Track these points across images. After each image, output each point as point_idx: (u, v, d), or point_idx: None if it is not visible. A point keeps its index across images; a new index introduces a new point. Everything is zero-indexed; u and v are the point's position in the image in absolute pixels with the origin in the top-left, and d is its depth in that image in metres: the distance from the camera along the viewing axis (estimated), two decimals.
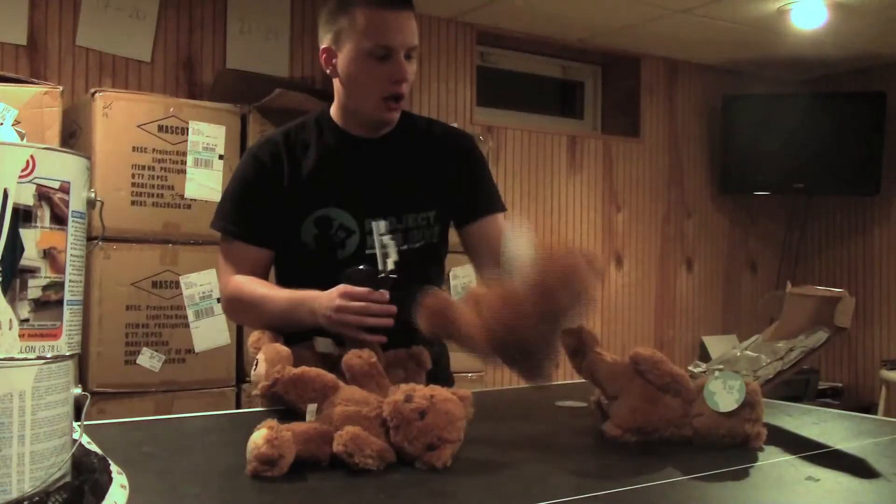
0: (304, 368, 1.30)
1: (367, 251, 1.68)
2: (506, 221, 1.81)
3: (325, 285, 1.55)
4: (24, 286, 0.79)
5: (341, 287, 1.52)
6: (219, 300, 2.62)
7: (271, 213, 1.69)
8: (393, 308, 1.49)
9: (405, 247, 1.70)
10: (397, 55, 1.63)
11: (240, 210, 1.72)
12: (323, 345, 1.55)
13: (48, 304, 0.81)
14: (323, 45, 1.71)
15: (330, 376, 1.28)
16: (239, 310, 1.75)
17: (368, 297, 1.49)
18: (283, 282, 1.76)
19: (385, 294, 1.50)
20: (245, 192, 1.72)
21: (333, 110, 1.77)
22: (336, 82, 1.73)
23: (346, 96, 1.72)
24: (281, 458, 1.04)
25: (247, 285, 1.68)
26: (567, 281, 1.19)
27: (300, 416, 1.21)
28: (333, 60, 1.69)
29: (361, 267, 1.55)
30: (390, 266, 1.59)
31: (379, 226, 1.65)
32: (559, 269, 1.19)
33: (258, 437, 1.04)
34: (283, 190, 1.69)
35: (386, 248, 1.62)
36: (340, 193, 1.69)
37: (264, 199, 1.69)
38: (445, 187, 1.77)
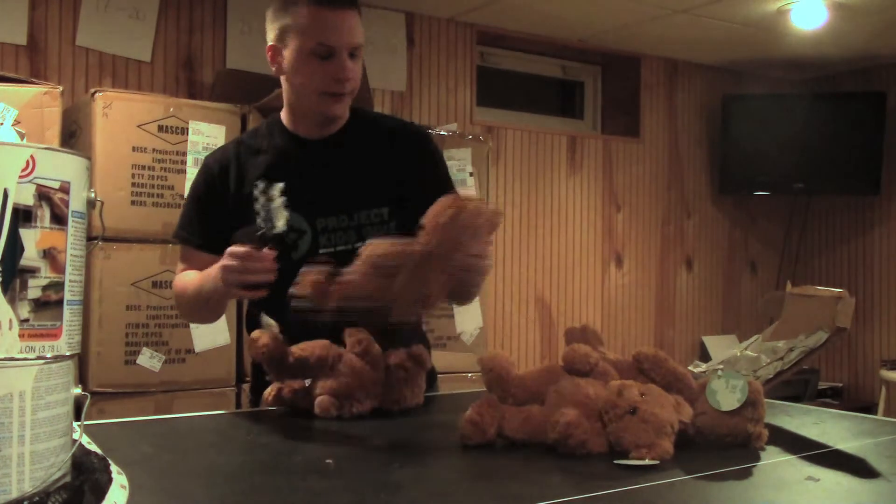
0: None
1: (321, 251, 1.68)
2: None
3: (281, 287, 1.52)
4: (24, 286, 0.79)
5: (229, 248, 1.55)
6: None
7: (217, 220, 1.74)
8: (271, 265, 1.50)
9: (360, 244, 1.68)
10: (340, 54, 1.63)
11: (190, 216, 1.80)
12: (268, 324, 1.56)
13: (48, 304, 0.81)
14: (269, 43, 1.71)
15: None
16: (178, 302, 1.83)
17: (247, 254, 1.51)
18: None
19: (268, 252, 1.51)
20: (194, 199, 1.80)
21: (283, 113, 1.78)
22: (283, 80, 1.74)
23: (291, 94, 1.73)
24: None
25: (180, 278, 1.77)
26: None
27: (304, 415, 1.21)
28: (279, 58, 1.69)
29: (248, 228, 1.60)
30: (280, 228, 1.60)
31: (273, 189, 1.64)
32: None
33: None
34: (230, 197, 1.73)
35: (271, 209, 1.62)
36: (290, 195, 1.67)
37: (210, 206, 1.76)
38: (397, 183, 1.73)
